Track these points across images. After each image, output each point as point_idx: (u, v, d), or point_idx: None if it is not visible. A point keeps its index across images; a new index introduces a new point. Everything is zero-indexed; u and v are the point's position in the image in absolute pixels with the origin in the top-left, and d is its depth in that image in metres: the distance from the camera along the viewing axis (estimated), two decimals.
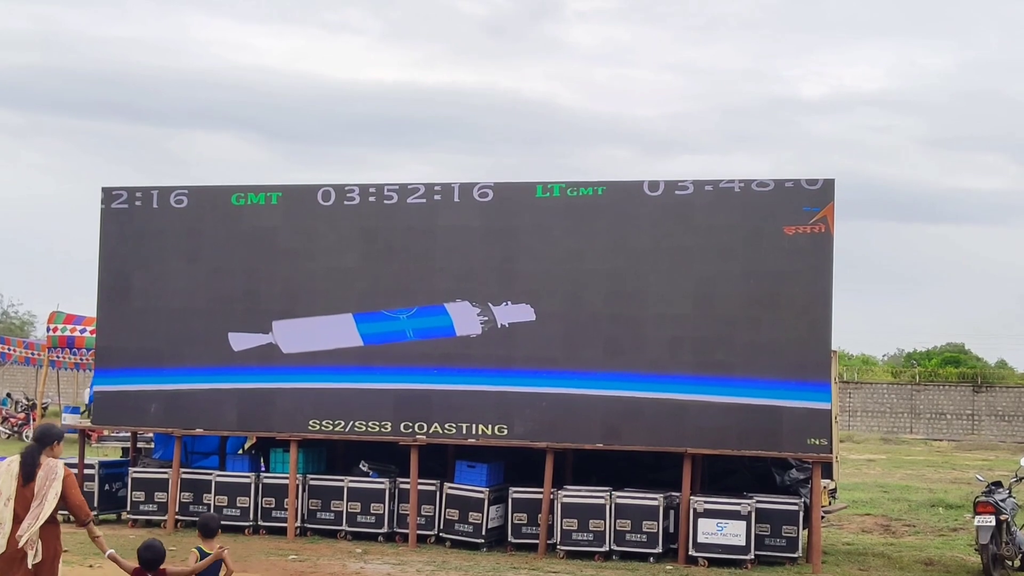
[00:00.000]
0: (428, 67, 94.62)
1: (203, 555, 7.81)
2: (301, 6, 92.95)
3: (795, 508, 12.71)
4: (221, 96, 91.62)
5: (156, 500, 14.55)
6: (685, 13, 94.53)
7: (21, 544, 7.44)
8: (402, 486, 13.83)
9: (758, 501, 12.68)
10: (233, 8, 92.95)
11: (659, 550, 12.73)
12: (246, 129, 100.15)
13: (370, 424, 13.78)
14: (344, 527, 13.85)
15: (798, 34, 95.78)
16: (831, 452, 12.89)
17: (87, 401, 26.78)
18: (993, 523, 11.96)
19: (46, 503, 7.54)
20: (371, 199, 13.96)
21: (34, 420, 27.12)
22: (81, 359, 24.95)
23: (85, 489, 14.77)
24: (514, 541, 13.33)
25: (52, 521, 7.61)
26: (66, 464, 7.96)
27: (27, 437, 29.50)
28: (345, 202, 14.03)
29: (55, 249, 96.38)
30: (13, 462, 7.70)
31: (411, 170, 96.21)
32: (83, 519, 7.73)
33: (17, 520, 7.50)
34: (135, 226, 14.64)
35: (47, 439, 7.78)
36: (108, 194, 14.75)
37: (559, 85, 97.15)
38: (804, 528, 12.80)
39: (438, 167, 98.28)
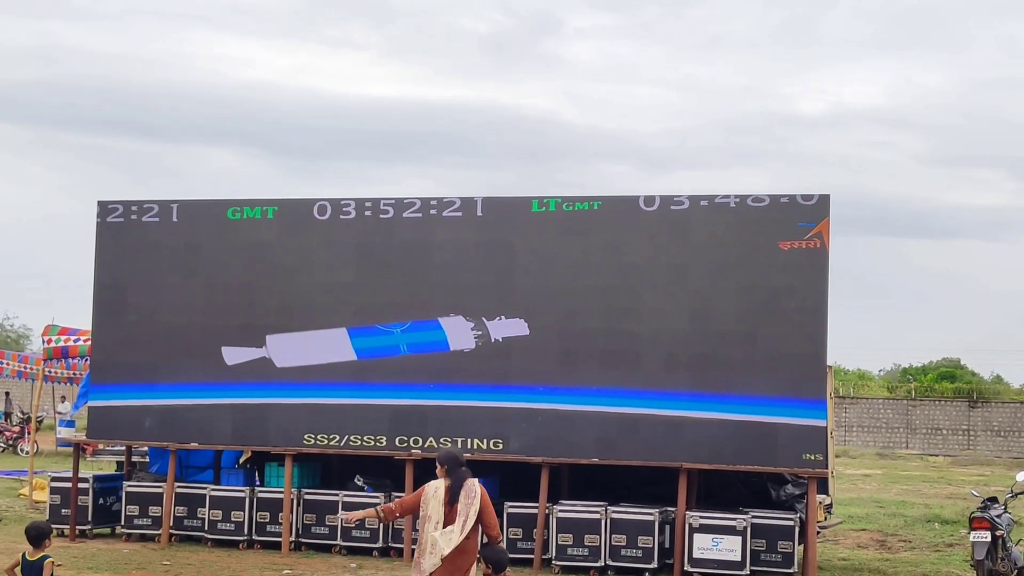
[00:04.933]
0: (429, 83, 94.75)
1: (25, 561, 8.00)
2: (303, 22, 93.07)
3: (791, 523, 12.69)
4: (222, 111, 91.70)
5: (150, 514, 14.50)
6: (685, 31, 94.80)
7: None
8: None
9: (754, 516, 12.66)
10: (235, 24, 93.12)
11: (655, 565, 12.71)
12: (247, 144, 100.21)
13: (365, 438, 13.76)
14: (339, 542, 13.81)
15: (797, 52, 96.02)
16: (827, 467, 12.89)
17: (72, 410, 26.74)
18: (989, 539, 11.93)
19: None
20: (367, 213, 13.98)
21: (29, 433, 27.05)
22: (75, 373, 24.87)
23: (79, 503, 14.75)
24: (509, 556, 13.28)
25: None
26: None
27: (23, 451, 29.42)
28: (341, 216, 14.04)
29: (52, 263, 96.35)
30: None
31: (411, 185, 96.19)
32: None
33: None
34: (131, 240, 14.63)
35: None
36: (104, 208, 14.74)
37: (559, 101, 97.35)
38: (800, 543, 12.78)
39: (438, 182, 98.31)
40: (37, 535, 8.07)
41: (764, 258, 12.88)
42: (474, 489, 8.36)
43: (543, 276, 13.46)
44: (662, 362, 13.05)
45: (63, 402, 32.95)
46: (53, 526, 14.75)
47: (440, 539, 8.19)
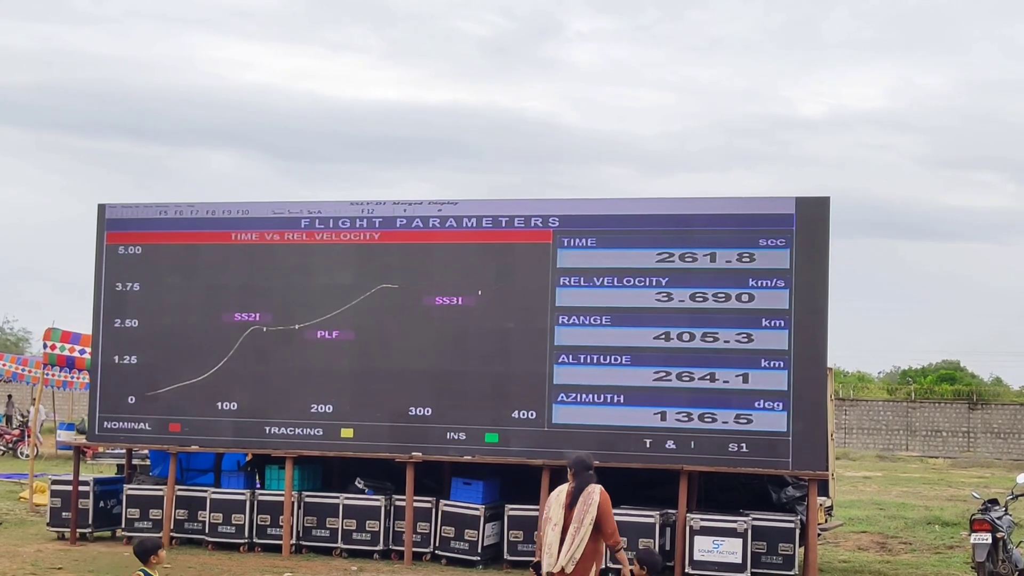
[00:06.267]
0: (429, 86, 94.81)
1: None
2: (303, 25, 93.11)
3: (791, 526, 12.69)
4: (223, 114, 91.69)
5: (151, 517, 14.49)
6: (685, 34, 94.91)
7: None
8: (398, 503, 13.80)
9: (754, 519, 12.67)
10: (235, 27, 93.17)
11: None
12: (247, 147, 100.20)
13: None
14: (339, 544, 13.80)
15: (796, 54, 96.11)
16: (827, 470, 12.89)
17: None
18: (989, 541, 11.93)
19: None
20: (368, 216, 13.98)
21: (29, 436, 27.05)
22: (70, 376, 24.83)
23: (80, 506, 14.74)
24: (510, 559, 13.29)
25: None
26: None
27: (22, 454, 29.41)
28: (341, 220, 14.05)
29: (53, 265, 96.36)
30: None
31: (411, 188, 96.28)
32: None
33: None
34: (131, 243, 14.63)
35: None
36: (104, 210, 14.74)
37: (559, 104, 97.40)
38: (800, 546, 12.78)
39: (438, 185, 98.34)
40: (141, 551, 8.12)
41: (764, 260, 12.88)
42: (592, 496, 8.27)
43: (544, 279, 13.45)
44: (662, 364, 13.04)
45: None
46: (54, 529, 14.83)
47: (546, 558, 8.33)
